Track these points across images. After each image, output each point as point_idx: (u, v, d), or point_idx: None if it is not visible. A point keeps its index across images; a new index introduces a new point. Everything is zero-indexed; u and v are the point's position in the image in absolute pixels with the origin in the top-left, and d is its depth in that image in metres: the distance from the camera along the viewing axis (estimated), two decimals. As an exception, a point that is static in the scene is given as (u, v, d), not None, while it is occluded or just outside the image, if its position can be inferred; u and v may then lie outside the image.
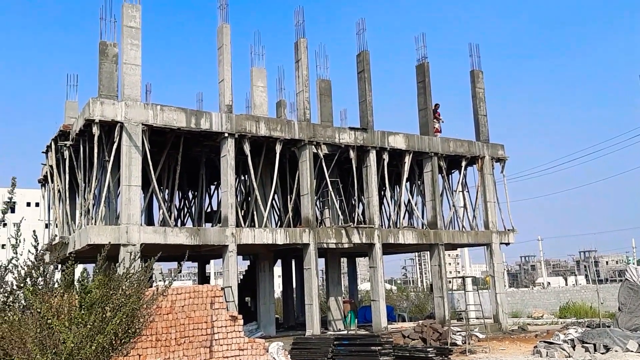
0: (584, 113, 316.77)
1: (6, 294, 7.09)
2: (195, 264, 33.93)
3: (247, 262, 30.08)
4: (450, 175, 27.75)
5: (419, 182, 27.59)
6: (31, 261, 8.70)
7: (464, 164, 26.62)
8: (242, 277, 29.29)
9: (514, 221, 27.73)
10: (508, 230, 27.16)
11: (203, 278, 31.72)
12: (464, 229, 26.63)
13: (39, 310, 7.14)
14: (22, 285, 7.21)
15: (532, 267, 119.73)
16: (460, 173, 26.95)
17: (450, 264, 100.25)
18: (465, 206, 27.56)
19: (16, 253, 8.84)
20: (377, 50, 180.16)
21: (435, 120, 26.50)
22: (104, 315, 8.53)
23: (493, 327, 25.14)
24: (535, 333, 24.13)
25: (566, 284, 73.12)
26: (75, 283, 9.28)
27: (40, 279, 8.76)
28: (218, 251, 21.55)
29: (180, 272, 17.70)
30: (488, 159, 27.09)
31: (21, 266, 8.81)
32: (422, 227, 25.93)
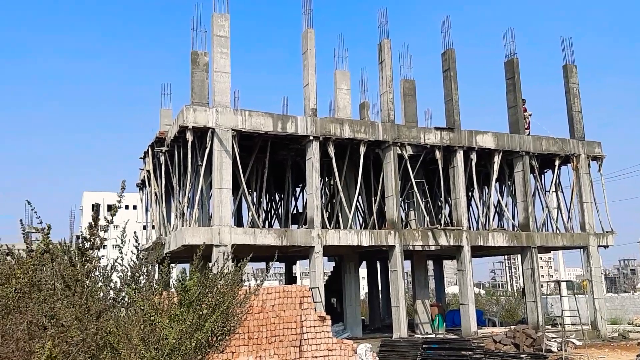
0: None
1: (115, 291, 7.58)
2: (282, 265, 34.64)
3: (332, 264, 30.31)
4: (542, 175, 26.58)
5: (509, 182, 26.65)
6: (134, 261, 9.26)
7: (557, 162, 25.41)
8: (327, 278, 29.56)
9: (613, 222, 26.07)
10: (606, 232, 25.63)
11: (290, 278, 32.32)
12: (558, 231, 25.41)
13: (142, 307, 7.57)
14: (129, 283, 7.68)
15: (632, 271, 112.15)
16: (553, 172, 25.75)
17: (542, 267, 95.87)
18: (559, 207, 26.30)
19: (121, 253, 9.45)
20: (463, 47, 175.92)
21: (526, 115, 25.51)
22: (201, 313, 8.92)
23: (591, 334, 23.77)
24: (637, 341, 22.59)
25: (672, 290, 67.78)
26: (174, 281, 9.77)
27: (142, 277, 9.31)
28: (304, 252, 21.88)
29: (268, 272, 18.17)
30: (584, 157, 25.69)
31: (125, 266, 9.39)
32: (513, 229, 25.01)
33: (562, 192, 26.62)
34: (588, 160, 25.90)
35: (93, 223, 5.66)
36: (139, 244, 9.74)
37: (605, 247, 25.63)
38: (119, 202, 6.02)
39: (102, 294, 6.86)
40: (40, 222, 5.66)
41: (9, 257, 6.52)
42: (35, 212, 5.65)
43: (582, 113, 26.33)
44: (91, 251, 5.66)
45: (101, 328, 5.96)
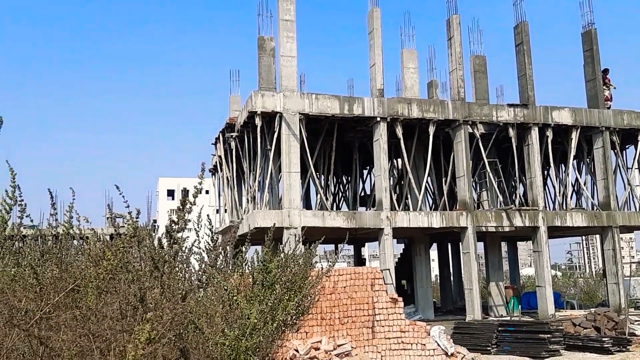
0: None
1: (200, 272, 7.83)
2: (350, 247, 34.77)
3: (402, 246, 30.11)
4: (624, 151, 25.18)
5: (587, 159, 25.42)
6: (208, 243, 9.53)
7: (640, 137, 23.97)
8: (397, 261, 29.41)
9: (703, 201, 24.34)
10: (696, 210, 24.01)
11: (359, 261, 32.40)
12: (642, 210, 24.05)
13: (225, 287, 7.78)
14: (212, 264, 7.92)
15: None
16: (636, 148, 24.34)
17: (623, 247, 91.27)
18: (643, 185, 24.85)
19: (198, 236, 9.76)
20: (536, 18, 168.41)
21: (605, 87, 24.16)
22: (278, 293, 9.09)
23: (679, 319, 22.46)
24: None
25: None
26: (255, 262, 9.99)
27: (220, 258, 9.59)
28: (373, 235, 21.84)
29: (337, 254, 18.28)
30: (671, 130, 24.08)
31: (202, 249, 9.69)
32: (593, 209, 23.89)
33: (645, 168, 25.13)
34: (675, 135, 24.27)
35: (181, 206, 5.85)
36: (212, 226, 10.04)
37: (695, 226, 24.05)
38: (200, 183, 6.17)
39: (187, 275, 7.10)
40: (128, 206, 5.90)
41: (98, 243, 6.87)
42: (123, 197, 5.90)
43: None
44: (178, 233, 5.86)
45: (186, 308, 6.18)
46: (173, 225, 5.70)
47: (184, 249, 8.19)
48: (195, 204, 5.89)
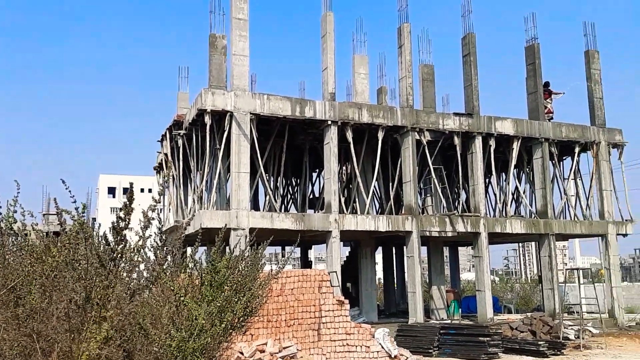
0: None
1: (149, 271, 7.63)
2: (298, 249, 34.75)
3: (348, 249, 30.35)
4: (562, 162, 26.34)
5: (527, 169, 26.43)
6: (157, 242, 9.31)
7: (577, 150, 25.15)
8: (343, 263, 29.60)
9: (632, 211, 25.78)
10: (626, 220, 25.39)
11: (305, 263, 32.44)
12: (576, 219, 25.22)
13: (172, 287, 7.62)
14: (161, 263, 7.73)
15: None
16: (572, 160, 25.49)
17: (557, 255, 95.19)
18: (577, 195, 26.07)
19: (143, 235, 9.49)
20: (483, 31, 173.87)
21: (549, 100, 25.23)
22: (227, 295, 8.97)
23: (608, 323, 23.64)
24: (656, 331, 22.44)
25: (689, 280, 67.18)
26: (198, 263, 9.83)
27: (169, 258, 9.38)
28: (320, 237, 21.91)
29: (287, 257, 18.22)
30: (604, 144, 25.37)
31: (148, 248, 9.44)
32: (531, 216, 24.84)
33: (581, 179, 26.39)
34: (608, 148, 25.60)
35: (128, 202, 5.68)
36: (161, 224, 9.82)
37: (624, 235, 25.41)
38: (131, 186, 6.03)
39: (134, 274, 6.90)
40: (75, 201, 5.69)
41: (33, 235, 6.57)
42: (70, 191, 5.68)
43: (604, 100, 25.97)
44: (125, 231, 5.69)
45: (133, 309, 6.01)
46: (120, 221, 5.54)
47: (132, 246, 7.96)
48: (131, 204, 5.74)
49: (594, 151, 25.43)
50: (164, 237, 9.82)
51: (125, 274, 6.83)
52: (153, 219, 5.71)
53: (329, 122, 20.67)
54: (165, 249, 9.29)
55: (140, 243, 6.01)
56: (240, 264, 10.85)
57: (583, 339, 19.11)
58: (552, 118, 25.12)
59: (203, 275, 8.97)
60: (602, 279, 26.41)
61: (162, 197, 26.87)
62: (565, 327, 20.12)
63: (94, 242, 6.24)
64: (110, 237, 6.06)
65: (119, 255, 5.66)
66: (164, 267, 9.10)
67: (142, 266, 9.06)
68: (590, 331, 21.48)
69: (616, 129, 25.93)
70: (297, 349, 13.56)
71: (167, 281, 8.04)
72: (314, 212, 25.17)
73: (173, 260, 9.60)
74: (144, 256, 8.93)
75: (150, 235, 6.27)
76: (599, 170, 25.25)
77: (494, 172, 24.12)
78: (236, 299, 9.68)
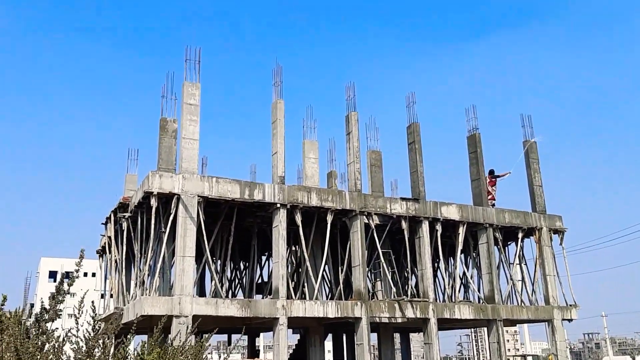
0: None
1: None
2: (245, 337, 33.50)
3: (297, 336, 29.50)
4: (506, 247, 26.94)
5: (474, 253, 26.86)
6: (89, 333, 8.77)
7: (520, 235, 25.85)
8: (292, 351, 28.64)
9: (576, 296, 26.32)
10: (570, 305, 25.83)
11: (253, 351, 31.20)
12: (523, 304, 25.49)
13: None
14: (81, 357, 7.23)
15: (597, 345, 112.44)
16: (517, 245, 26.12)
17: (509, 340, 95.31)
18: (523, 280, 26.51)
19: (77, 324, 8.95)
20: (427, 120, 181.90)
21: (493, 188, 26.12)
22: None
23: (559, 411, 23.41)
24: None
25: (636, 364, 67.98)
26: (131, 356, 9.27)
27: (97, 350, 8.81)
28: (268, 324, 21.28)
29: (231, 346, 17.40)
30: (545, 230, 26.22)
31: (80, 338, 8.89)
32: (479, 301, 24.96)
33: (525, 264, 26.94)
34: (550, 234, 26.43)
35: (57, 292, 5.37)
36: (95, 314, 9.29)
37: (570, 320, 25.73)
38: (77, 271, 5.75)
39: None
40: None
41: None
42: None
43: (543, 187, 27.12)
44: (47, 323, 5.33)
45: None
46: (44, 313, 5.20)
47: (56, 338, 7.45)
48: (68, 292, 5.44)
49: (536, 237, 26.18)
50: (97, 327, 9.29)
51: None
52: (60, 310, 5.38)
53: (278, 205, 20.67)
54: (95, 339, 8.76)
55: (58, 335, 5.63)
56: (178, 356, 10.29)
57: None
58: (494, 205, 25.93)
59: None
60: (551, 364, 26.36)
61: (104, 282, 25.75)
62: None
63: (13, 333, 5.83)
64: (32, 330, 5.68)
65: (39, 348, 5.28)
66: (92, 359, 8.54)
67: (72, 358, 8.47)
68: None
69: (556, 216, 26.93)
70: None
71: (93, 376, 7.51)
72: (262, 298, 24.56)
73: (103, 352, 9.04)
74: (72, 348, 8.38)
75: (57, 329, 5.89)
76: (542, 255, 25.90)
77: (441, 257, 24.40)
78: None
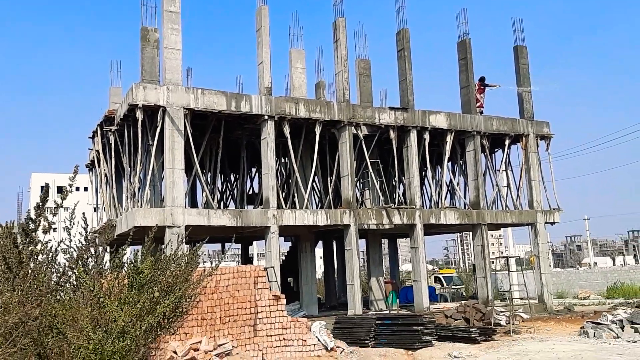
0: (634, 87, 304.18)
1: (59, 274, 7.36)
2: (239, 246, 34.45)
3: (289, 244, 30.37)
4: (493, 154, 27.23)
5: (461, 161, 27.19)
6: (82, 243, 9.01)
7: (507, 142, 26.07)
8: (284, 258, 29.61)
9: (560, 200, 27.00)
10: (553, 209, 26.54)
11: (246, 259, 32.23)
12: (507, 209, 26.17)
13: (92, 288, 7.39)
14: (74, 266, 7.47)
15: (578, 247, 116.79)
16: (503, 152, 26.40)
17: (493, 244, 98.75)
18: (508, 185, 27.04)
19: (69, 235, 9.17)
20: (417, 27, 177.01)
21: (483, 95, 25.98)
22: (153, 296, 8.78)
23: (538, 308, 24.74)
24: (581, 314, 23.65)
25: (614, 264, 71.15)
26: (126, 264, 9.58)
27: (90, 259, 9.09)
28: (260, 233, 21.83)
29: (224, 254, 17.99)
30: (532, 136, 26.41)
31: (73, 248, 9.13)
32: (465, 207, 25.60)
33: (511, 171, 27.36)
34: (537, 140, 26.65)
35: (41, 204, 5.46)
36: (87, 225, 9.49)
37: (552, 224, 26.55)
38: (70, 186, 5.81)
39: (45, 277, 6.64)
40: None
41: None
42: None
43: (532, 93, 27.00)
44: (36, 233, 5.46)
45: (44, 312, 5.78)
46: (30, 223, 5.31)
47: (49, 248, 7.65)
48: (62, 205, 5.53)
49: (523, 143, 26.43)
50: (89, 238, 9.51)
51: (38, 277, 6.58)
52: (54, 222, 5.49)
53: (266, 117, 20.56)
54: (87, 249, 9.00)
55: (51, 245, 5.79)
56: (171, 264, 10.61)
57: (513, 324, 19.87)
58: (482, 112, 25.90)
59: (128, 276, 8.75)
60: (532, 266, 27.53)
61: (96, 195, 26.00)
62: (496, 313, 20.87)
63: (5, 245, 5.97)
64: (19, 240, 5.82)
65: (28, 257, 5.44)
66: (86, 268, 8.82)
67: (66, 267, 8.75)
68: (521, 316, 22.36)
69: (544, 122, 27.03)
70: (233, 346, 13.46)
71: (87, 281, 7.80)
72: (253, 208, 25.01)
73: (97, 261, 9.32)
74: (66, 258, 8.63)
75: (50, 240, 6.04)
76: (528, 161, 26.27)
77: (429, 165, 24.68)
78: (166, 300, 9.48)
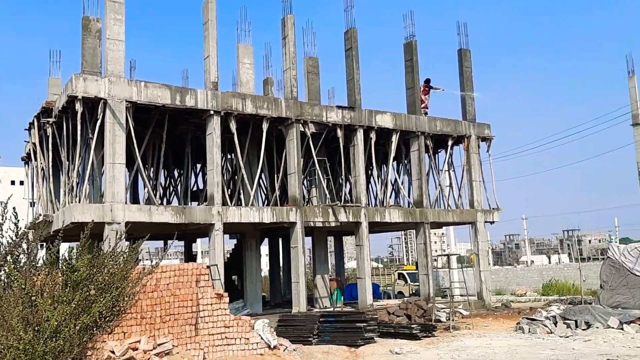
0: (571, 93, 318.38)
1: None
2: (182, 243, 33.85)
3: (234, 241, 30.09)
4: (436, 155, 27.83)
5: (405, 161, 27.64)
6: (12, 239, 8.60)
7: (450, 143, 26.69)
8: (229, 256, 29.32)
9: (499, 200, 27.96)
10: (493, 209, 27.39)
11: (189, 257, 31.72)
12: (449, 208, 26.81)
13: (23, 287, 7.07)
14: (2, 263, 7.12)
15: (517, 246, 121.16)
16: (446, 152, 27.03)
17: (435, 242, 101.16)
18: (451, 185, 27.71)
19: (1, 230, 8.72)
20: (365, 27, 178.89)
21: (427, 96, 26.47)
22: (89, 294, 8.49)
23: (477, 304, 25.48)
24: (518, 310, 24.50)
25: (549, 262, 74.25)
26: (61, 261, 9.22)
27: (22, 256, 8.69)
28: (204, 230, 21.49)
29: (166, 251, 17.60)
30: (474, 138, 27.16)
31: (4, 244, 8.71)
32: (409, 206, 26.06)
33: (454, 171, 28.05)
34: (478, 141, 27.41)
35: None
36: (18, 220, 9.07)
37: (492, 222, 27.40)
38: None
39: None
40: None
41: None
42: None
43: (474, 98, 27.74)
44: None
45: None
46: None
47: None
48: None
49: (465, 144, 27.14)
50: (20, 234, 9.08)
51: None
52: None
53: (212, 112, 20.26)
54: (18, 246, 8.60)
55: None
56: (108, 261, 10.30)
57: (453, 320, 20.36)
58: (427, 113, 26.42)
59: (62, 274, 8.43)
60: (472, 264, 28.33)
61: (31, 190, 24.92)
62: (437, 309, 21.33)
63: None
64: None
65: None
66: (20, 265, 8.44)
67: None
68: (461, 313, 22.95)
69: (485, 124, 27.85)
70: (173, 345, 13.15)
71: (18, 279, 7.46)
72: (197, 205, 24.61)
73: (29, 258, 8.93)
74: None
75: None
76: (470, 162, 26.99)
77: (374, 164, 24.99)
78: (102, 299, 9.19)
